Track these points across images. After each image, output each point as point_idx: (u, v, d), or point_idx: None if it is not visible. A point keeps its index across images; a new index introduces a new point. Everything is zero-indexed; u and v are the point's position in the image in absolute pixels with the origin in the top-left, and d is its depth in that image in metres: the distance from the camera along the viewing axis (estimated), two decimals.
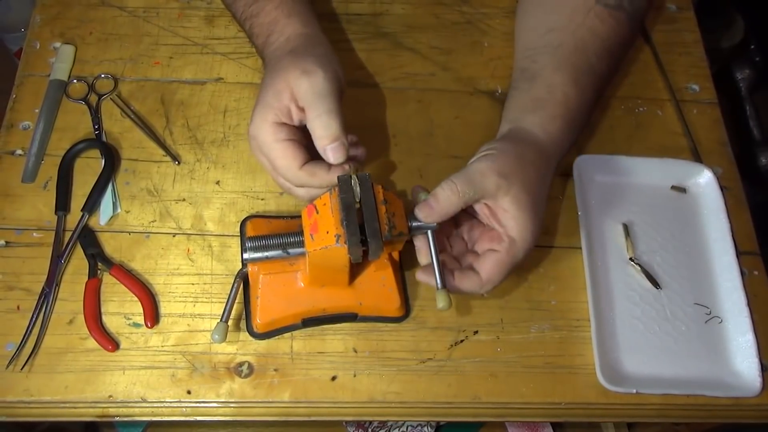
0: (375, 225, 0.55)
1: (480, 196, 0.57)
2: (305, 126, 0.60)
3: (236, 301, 0.62)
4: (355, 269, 0.62)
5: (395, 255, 0.64)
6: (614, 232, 0.71)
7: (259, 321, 0.62)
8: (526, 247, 0.58)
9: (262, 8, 0.67)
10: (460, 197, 0.57)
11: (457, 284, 0.58)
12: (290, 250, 0.59)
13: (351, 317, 0.63)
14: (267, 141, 0.59)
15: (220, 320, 0.60)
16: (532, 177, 0.59)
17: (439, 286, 0.56)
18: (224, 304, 0.61)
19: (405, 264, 0.66)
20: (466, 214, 0.62)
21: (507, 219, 0.58)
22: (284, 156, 0.59)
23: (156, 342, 0.63)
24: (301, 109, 0.59)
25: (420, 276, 0.59)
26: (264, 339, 0.63)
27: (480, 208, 0.60)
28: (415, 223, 0.58)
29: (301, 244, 0.58)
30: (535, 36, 0.72)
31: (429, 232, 0.58)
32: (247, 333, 0.63)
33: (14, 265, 0.65)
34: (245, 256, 0.59)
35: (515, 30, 0.77)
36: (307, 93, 0.58)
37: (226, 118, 0.74)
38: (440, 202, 0.57)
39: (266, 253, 0.59)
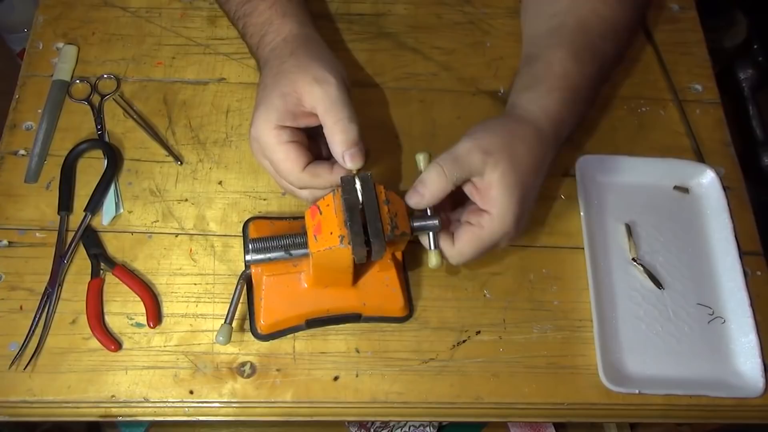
0: (377, 225, 0.55)
1: (468, 174, 0.57)
2: (305, 128, 0.60)
3: (239, 302, 0.62)
4: (359, 270, 0.62)
5: (398, 255, 0.64)
6: (617, 232, 0.71)
7: (262, 322, 0.62)
8: (505, 228, 0.57)
9: (255, 8, 0.67)
10: (448, 179, 0.57)
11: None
12: (293, 252, 0.59)
13: (355, 318, 0.63)
14: (270, 143, 0.59)
15: (224, 322, 0.59)
16: (521, 153, 0.58)
17: (431, 247, 0.59)
18: (227, 306, 0.61)
19: (408, 264, 0.66)
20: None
21: (490, 197, 0.57)
22: (287, 158, 0.59)
23: (158, 342, 0.63)
24: (308, 114, 0.60)
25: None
26: (268, 340, 0.63)
27: (467, 188, 0.59)
28: (417, 223, 0.58)
29: (303, 245, 0.58)
30: (539, 23, 0.71)
31: (431, 233, 0.58)
32: (249, 333, 0.63)
33: (17, 265, 0.65)
34: (248, 257, 0.59)
35: (521, 22, 0.77)
36: (322, 100, 0.58)
37: (228, 119, 0.74)
38: (428, 187, 0.57)
39: (269, 255, 0.59)
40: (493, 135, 0.59)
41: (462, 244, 0.58)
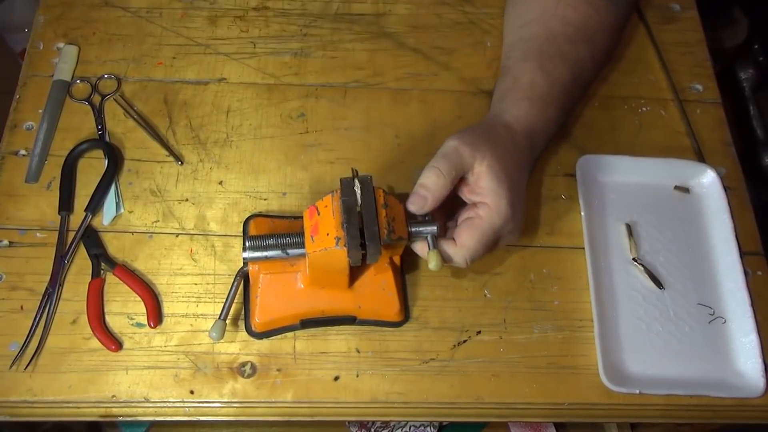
0: (374, 229, 0.55)
1: (460, 169, 0.59)
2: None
3: (235, 299, 0.62)
4: (355, 272, 0.62)
5: (396, 259, 0.64)
6: (617, 232, 0.71)
7: (257, 320, 0.62)
8: (502, 215, 0.59)
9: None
10: (445, 177, 0.58)
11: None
12: (289, 251, 0.59)
13: (349, 320, 0.63)
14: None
15: (218, 318, 0.60)
16: (501, 151, 0.61)
17: (431, 247, 0.58)
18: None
19: (408, 265, 0.66)
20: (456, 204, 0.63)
21: (481, 188, 0.59)
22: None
23: (159, 342, 0.63)
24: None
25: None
26: (262, 338, 0.63)
27: (460, 189, 0.61)
28: (415, 228, 0.58)
29: (300, 245, 0.58)
30: (512, 33, 0.74)
31: (429, 236, 0.58)
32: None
33: (18, 265, 0.65)
34: (244, 255, 0.59)
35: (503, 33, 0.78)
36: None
37: (228, 119, 0.74)
38: (429, 188, 0.58)
39: (265, 253, 0.59)
40: (476, 133, 0.61)
41: (464, 239, 0.59)
